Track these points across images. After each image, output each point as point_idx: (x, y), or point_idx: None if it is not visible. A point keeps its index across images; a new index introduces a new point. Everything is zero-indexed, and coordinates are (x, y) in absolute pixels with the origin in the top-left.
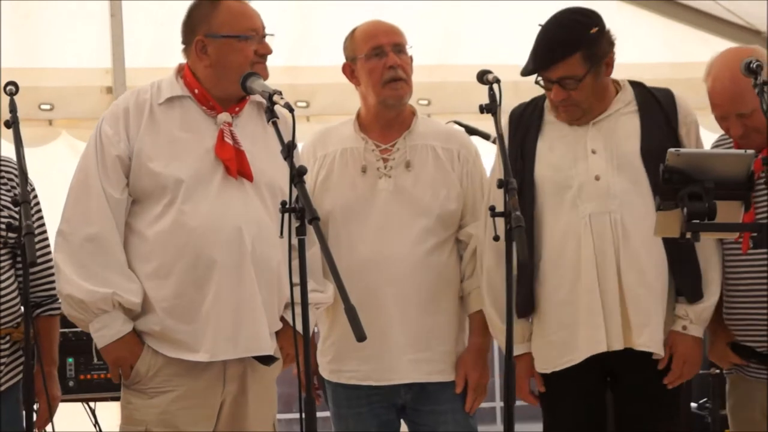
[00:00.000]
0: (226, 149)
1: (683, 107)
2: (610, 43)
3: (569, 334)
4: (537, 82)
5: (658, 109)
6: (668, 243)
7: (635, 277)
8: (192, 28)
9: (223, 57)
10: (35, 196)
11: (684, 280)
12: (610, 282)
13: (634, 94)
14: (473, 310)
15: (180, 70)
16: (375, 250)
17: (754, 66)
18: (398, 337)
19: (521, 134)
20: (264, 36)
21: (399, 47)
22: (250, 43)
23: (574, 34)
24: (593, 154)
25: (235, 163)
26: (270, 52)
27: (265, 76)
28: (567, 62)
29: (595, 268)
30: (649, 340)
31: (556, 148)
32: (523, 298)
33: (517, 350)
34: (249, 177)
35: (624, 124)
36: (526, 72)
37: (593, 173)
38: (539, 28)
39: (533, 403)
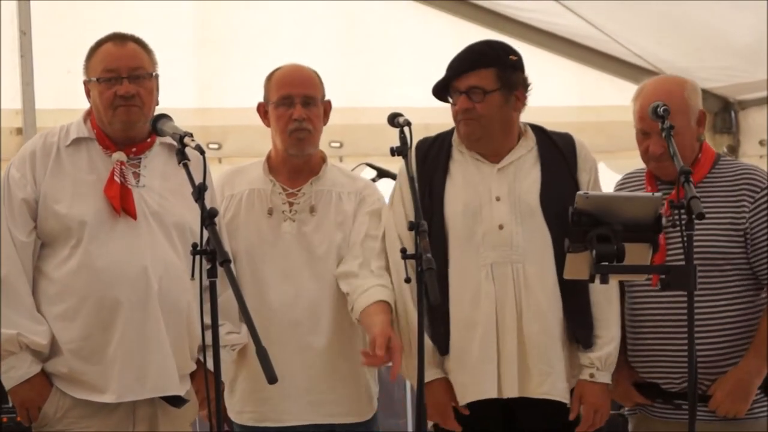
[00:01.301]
0: (113, 187)
1: (582, 153)
2: (525, 84)
3: (466, 376)
4: (447, 100)
5: (558, 156)
6: (564, 291)
7: (538, 326)
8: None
9: (95, 99)
10: None
11: (577, 328)
12: (508, 331)
13: (536, 141)
14: (366, 305)
15: (89, 113)
16: (276, 293)
17: (661, 111)
18: (299, 379)
19: (429, 171)
20: (131, 77)
21: (308, 99)
22: (110, 85)
23: (493, 52)
24: (497, 201)
25: (118, 201)
26: (129, 92)
27: (127, 119)
28: (479, 73)
29: (494, 316)
30: (552, 389)
31: (462, 192)
32: (440, 336)
33: (429, 376)
34: (132, 215)
35: (526, 173)
36: (437, 84)
37: (497, 222)
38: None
39: (458, 428)
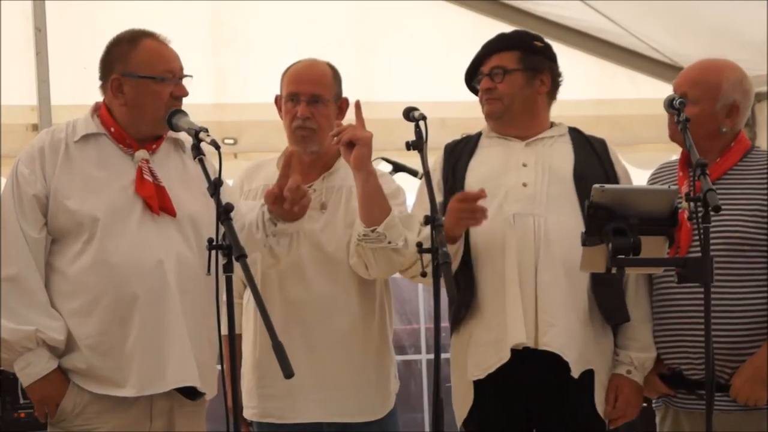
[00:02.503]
0: (146, 186)
1: (617, 157)
2: (553, 72)
3: (501, 331)
4: (474, 85)
5: (591, 150)
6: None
7: (550, 278)
8: (109, 65)
9: (139, 97)
10: None
11: (606, 305)
12: (527, 280)
13: (569, 131)
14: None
15: (96, 109)
16: (284, 289)
17: (677, 104)
18: (306, 377)
19: (454, 160)
20: (181, 78)
21: (316, 98)
22: (166, 85)
23: (517, 36)
24: (524, 167)
25: (156, 200)
26: (185, 94)
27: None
28: (502, 54)
29: (516, 264)
30: (553, 340)
31: (487, 162)
32: (465, 284)
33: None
34: (171, 212)
35: (558, 149)
36: (467, 71)
37: (522, 181)
38: None
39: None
